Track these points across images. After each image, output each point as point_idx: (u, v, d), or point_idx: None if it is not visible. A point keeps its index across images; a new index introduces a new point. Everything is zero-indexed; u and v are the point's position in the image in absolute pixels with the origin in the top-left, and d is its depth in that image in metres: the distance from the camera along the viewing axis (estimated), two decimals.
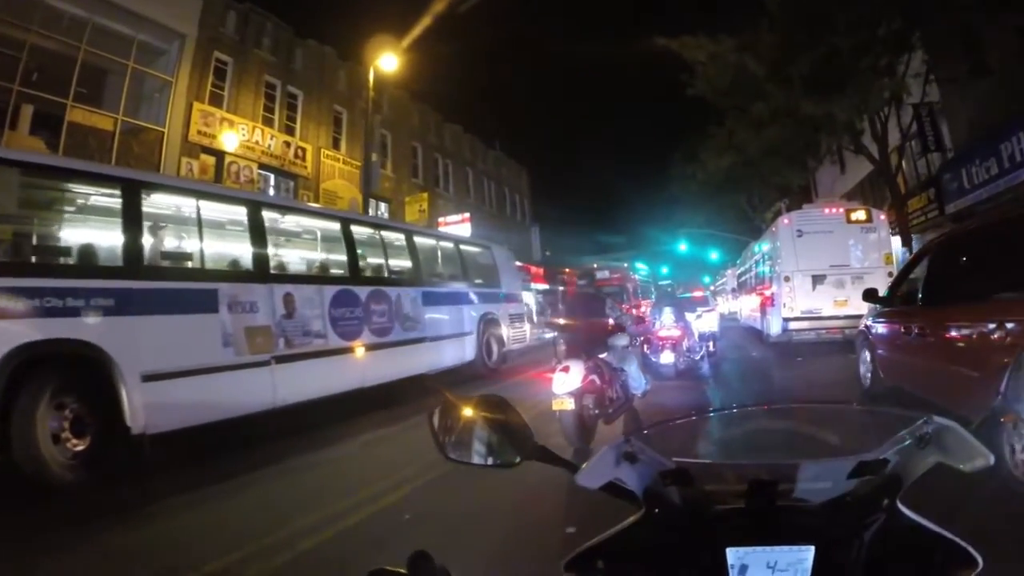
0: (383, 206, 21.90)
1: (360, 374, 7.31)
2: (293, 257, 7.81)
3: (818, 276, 11.15)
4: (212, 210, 6.52)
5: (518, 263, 28.48)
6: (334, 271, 7.86)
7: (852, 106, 12.83)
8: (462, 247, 10.68)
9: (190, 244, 6.25)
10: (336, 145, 20.53)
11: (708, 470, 0.91)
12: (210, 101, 17.50)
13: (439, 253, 10.35)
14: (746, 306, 18.81)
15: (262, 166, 18.16)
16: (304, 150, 19.29)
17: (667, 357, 8.20)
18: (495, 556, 2.99)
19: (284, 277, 6.87)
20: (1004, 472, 2.83)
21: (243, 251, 6.65)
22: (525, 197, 35.11)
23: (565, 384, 4.52)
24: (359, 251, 7.93)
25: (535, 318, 21.43)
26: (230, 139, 17.32)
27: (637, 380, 5.34)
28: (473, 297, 10.20)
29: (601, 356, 5.09)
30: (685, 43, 13.92)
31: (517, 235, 32.04)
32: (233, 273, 6.44)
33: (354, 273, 7.67)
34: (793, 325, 11.24)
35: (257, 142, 18.12)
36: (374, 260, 8.50)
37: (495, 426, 0.98)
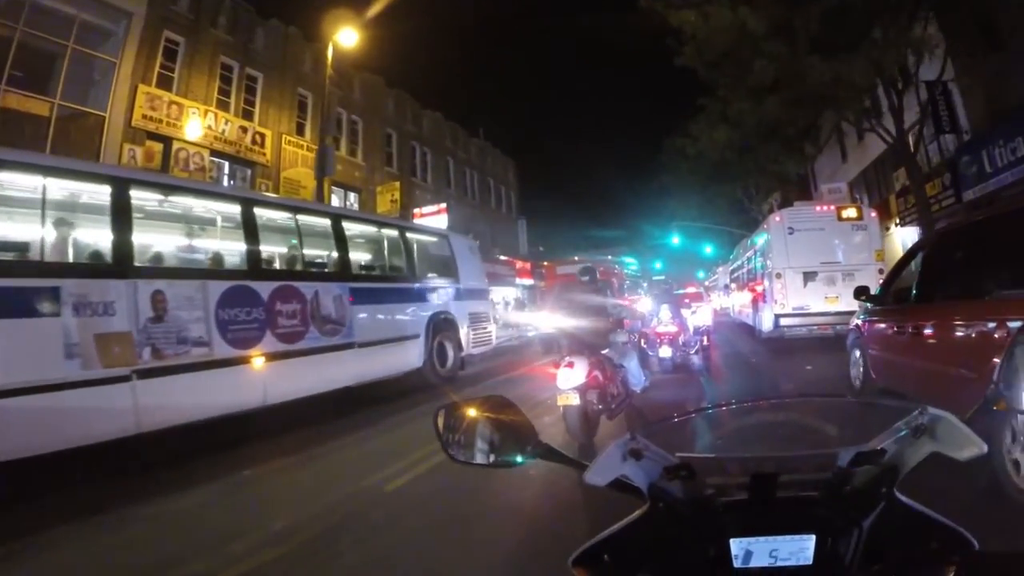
0: (352, 196, 20.67)
1: (259, 390, 6.09)
2: (168, 246, 6.53)
3: (809, 273, 11.26)
4: (59, 189, 5.29)
5: (502, 256, 27.32)
6: (228, 263, 6.58)
7: (865, 67, 11.46)
8: (409, 235, 9.39)
9: (24, 231, 5.03)
10: (300, 131, 19.26)
11: (711, 464, 0.92)
12: (158, 84, 16.28)
13: (377, 242, 9.09)
14: (738, 302, 18.84)
15: (215, 153, 16.93)
16: (263, 136, 18.05)
17: (665, 352, 8.35)
18: None
19: (153, 271, 5.63)
20: (1003, 480, 2.82)
21: (98, 239, 5.43)
22: (512, 189, 33.74)
23: (570, 380, 4.55)
24: (264, 239, 6.69)
25: (516, 315, 20.24)
26: (192, 127, 16.21)
27: (636, 376, 5.48)
28: (421, 294, 8.96)
29: (603, 352, 5.13)
30: (671, 2, 12.57)
31: (502, 228, 30.80)
32: (83, 267, 5.22)
33: (254, 266, 6.43)
34: (785, 321, 11.35)
35: (210, 127, 16.89)
36: (285, 250, 7.26)
37: (499, 426, 1.00)
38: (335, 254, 7.69)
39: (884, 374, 5.45)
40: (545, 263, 16.94)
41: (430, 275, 9.59)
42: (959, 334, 3.94)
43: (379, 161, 21.84)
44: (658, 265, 34.96)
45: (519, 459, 0.98)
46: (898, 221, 17.00)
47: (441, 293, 9.43)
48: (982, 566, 0.78)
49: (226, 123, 17.36)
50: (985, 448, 0.78)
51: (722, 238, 29.41)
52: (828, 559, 0.77)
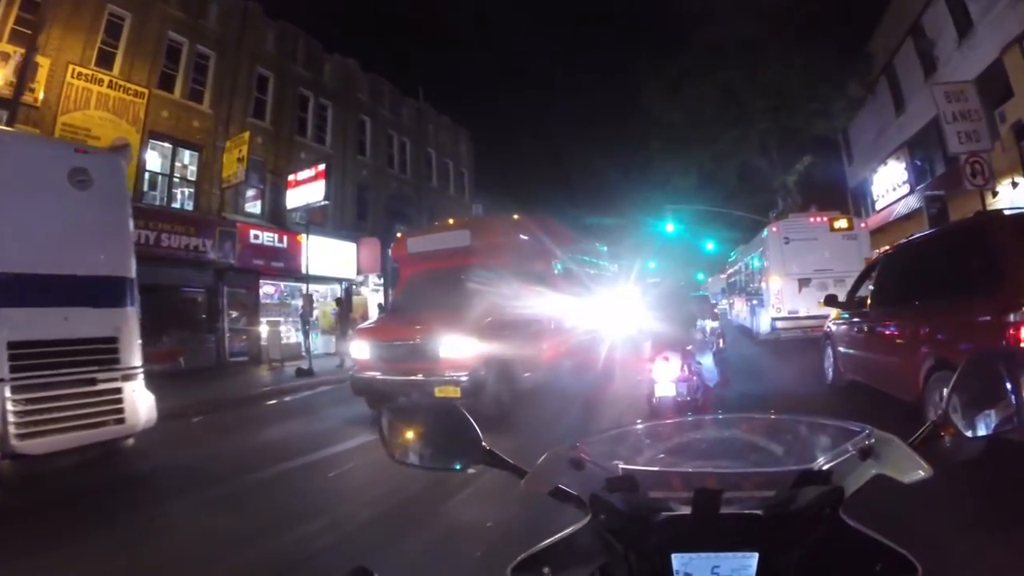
0: (187, 154, 15.21)
1: None
2: None
3: (803, 279, 12.43)
4: None
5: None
6: None
7: None
8: None
9: None
10: (105, 61, 13.91)
11: (654, 477, 0.90)
12: None
13: None
14: (737, 306, 19.47)
15: None
16: (35, 66, 12.60)
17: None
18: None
19: None
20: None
21: None
22: (464, 166, 27.76)
23: (667, 372, 5.16)
24: None
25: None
26: None
27: (711, 372, 5.73)
28: None
29: (687, 348, 5.52)
30: None
31: (451, 213, 24.95)
32: None
33: None
34: (780, 324, 12.68)
35: None
36: None
37: (444, 430, 1.02)
38: None
39: (848, 368, 6.75)
40: (399, 233, 9.75)
41: None
42: (896, 335, 5.32)
43: (239, 110, 16.33)
44: (652, 265, 28.83)
45: (460, 465, 1.00)
46: (1019, 179, 12.17)
47: None
48: None
49: None
50: (931, 472, 0.79)
51: (727, 229, 22.95)
52: None
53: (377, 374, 7.22)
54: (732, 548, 0.77)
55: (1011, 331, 3.60)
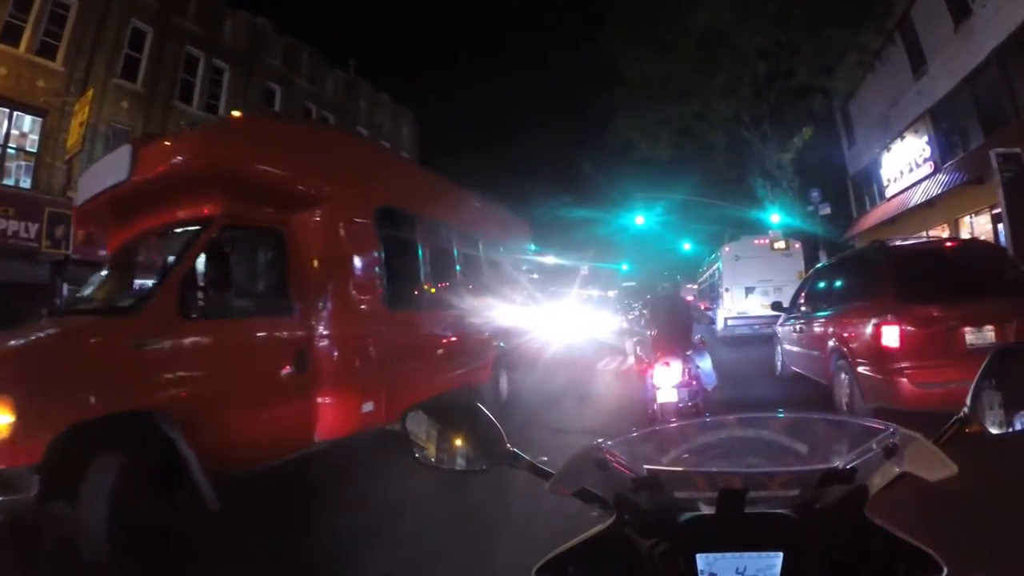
0: (27, 119, 12.83)
1: None
2: None
3: (750, 288, 16.20)
4: None
5: None
6: None
7: None
8: None
9: None
10: None
11: (679, 477, 0.92)
12: None
13: None
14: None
15: None
16: None
17: None
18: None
19: None
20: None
21: None
22: (405, 150, 25.26)
23: (669, 378, 5.21)
24: None
25: None
26: None
27: (709, 376, 5.85)
28: None
29: (687, 353, 5.64)
30: None
31: None
32: None
33: None
34: (732, 322, 16.28)
35: None
36: None
37: (469, 432, 1.06)
38: None
39: (791, 361, 8.29)
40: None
41: None
42: (815, 334, 6.87)
43: (101, 69, 13.91)
44: (624, 267, 27.45)
45: (486, 466, 1.04)
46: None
47: None
48: None
49: None
50: (955, 469, 0.79)
51: (709, 223, 20.80)
52: None
53: None
54: (757, 548, 0.78)
55: (877, 331, 5.14)
